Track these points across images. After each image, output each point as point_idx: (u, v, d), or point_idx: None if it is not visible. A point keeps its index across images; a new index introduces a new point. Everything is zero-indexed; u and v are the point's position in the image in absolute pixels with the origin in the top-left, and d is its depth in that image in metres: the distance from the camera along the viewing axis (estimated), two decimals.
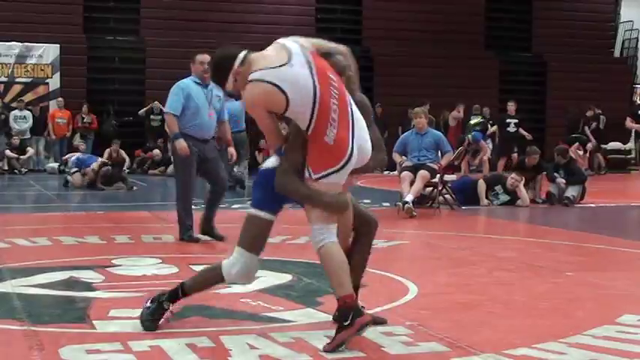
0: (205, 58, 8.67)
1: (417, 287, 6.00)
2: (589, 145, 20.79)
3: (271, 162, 4.88)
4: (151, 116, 23.25)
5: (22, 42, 23.61)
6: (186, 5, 25.13)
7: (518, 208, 13.64)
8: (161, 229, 10.17)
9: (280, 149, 4.81)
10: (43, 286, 6.42)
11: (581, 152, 20.25)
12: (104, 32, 24.91)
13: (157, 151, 22.08)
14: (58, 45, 23.76)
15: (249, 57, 4.70)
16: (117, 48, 24.94)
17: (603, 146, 21.91)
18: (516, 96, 20.39)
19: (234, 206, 12.50)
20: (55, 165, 21.35)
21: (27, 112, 23.13)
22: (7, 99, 23.49)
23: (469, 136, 19.64)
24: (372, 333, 4.88)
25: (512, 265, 7.96)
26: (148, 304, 5.05)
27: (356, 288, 4.98)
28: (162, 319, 5.03)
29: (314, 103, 4.54)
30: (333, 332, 4.58)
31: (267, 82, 4.51)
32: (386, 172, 19.19)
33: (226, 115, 9.44)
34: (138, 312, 5.17)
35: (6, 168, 21.73)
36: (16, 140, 22.35)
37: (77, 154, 18.30)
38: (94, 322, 5.26)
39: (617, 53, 24.76)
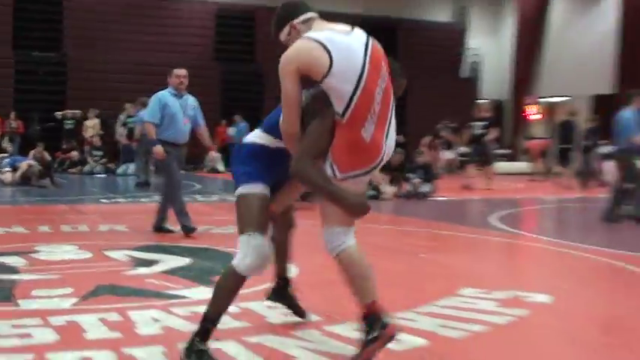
0: (182, 72, 8.69)
1: (298, 268, 6.04)
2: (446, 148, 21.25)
3: (256, 136, 3.97)
4: (65, 121, 22.98)
5: None
6: (107, 25, 24.62)
7: (382, 201, 13.86)
8: (77, 220, 9.99)
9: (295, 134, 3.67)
10: None
11: (437, 153, 20.66)
12: (30, 48, 24.19)
13: (75, 153, 21.68)
14: None
15: (314, 19, 3.72)
16: (41, 63, 24.26)
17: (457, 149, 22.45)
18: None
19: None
20: None
21: None
22: None
23: None
24: (258, 305, 4.92)
25: (375, 248, 8.09)
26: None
27: (286, 277, 4.57)
28: None
29: (358, 82, 3.49)
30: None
31: (315, 40, 3.50)
32: None
33: (202, 121, 9.09)
34: (57, 292, 5.09)
35: None
36: None
37: (12, 156, 18.05)
38: (19, 300, 5.14)
39: (465, 74, 25.35)
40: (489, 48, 26.08)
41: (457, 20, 26.84)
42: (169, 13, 26.19)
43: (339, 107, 3.50)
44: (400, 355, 4.05)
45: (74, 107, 22.76)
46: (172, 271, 6.32)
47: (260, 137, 3.94)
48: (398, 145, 4.66)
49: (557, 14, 25.28)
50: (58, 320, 4.57)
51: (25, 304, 5.03)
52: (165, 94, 8.76)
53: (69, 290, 5.44)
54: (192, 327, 3.96)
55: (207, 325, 3.78)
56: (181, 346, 3.83)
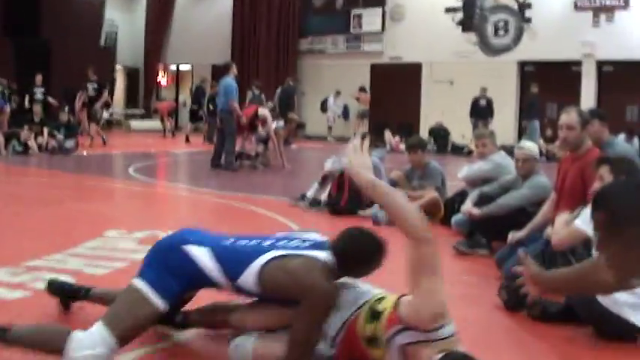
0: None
1: None
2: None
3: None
4: None
5: None
6: None
7: (30, 156, 13.00)
8: None
9: None
10: None
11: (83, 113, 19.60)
12: None
13: None
14: None
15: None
16: None
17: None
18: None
19: None
20: None
21: None
22: None
23: None
24: None
25: (21, 200, 7.63)
26: None
27: None
28: None
29: None
30: None
31: None
32: None
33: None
34: None
35: None
36: None
37: None
38: None
39: (103, 43, 24.47)
40: (125, 20, 25.51)
41: None
42: None
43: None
44: None
45: None
46: None
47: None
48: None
49: None
50: None
51: None
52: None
53: None
54: None
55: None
56: None
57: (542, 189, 5.21)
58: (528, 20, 17.99)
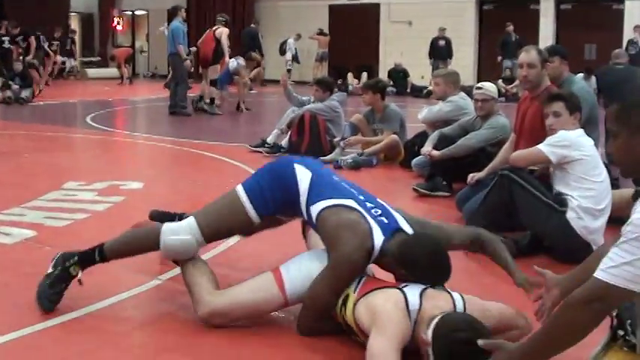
0: None
1: None
2: None
3: None
4: None
5: None
6: None
7: None
8: None
9: None
10: None
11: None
12: None
13: None
14: None
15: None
16: None
17: None
18: None
19: None
20: None
21: None
22: None
23: None
24: None
25: None
26: (50, 270, 2.88)
27: None
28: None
29: None
30: None
31: None
32: None
33: None
34: None
35: None
36: None
37: None
38: None
39: None
40: None
41: None
42: None
43: None
44: (12, 248, 3.86)
45: None
46: None
47: None
48: None
49: None
50: None
51: None
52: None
53: None
54: None
55: (95, 254, 2.91)
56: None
57: (501, 129, 5.24)
58: None
